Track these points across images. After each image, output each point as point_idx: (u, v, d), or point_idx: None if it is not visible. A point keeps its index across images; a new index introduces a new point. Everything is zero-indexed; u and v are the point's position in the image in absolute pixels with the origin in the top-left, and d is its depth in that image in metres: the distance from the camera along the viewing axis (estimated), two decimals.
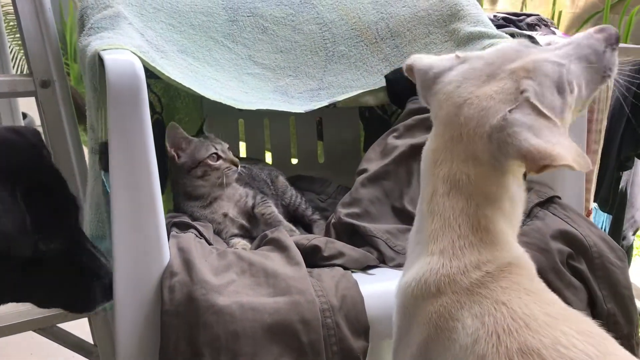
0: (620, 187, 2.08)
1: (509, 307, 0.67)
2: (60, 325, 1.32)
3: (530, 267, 0.76)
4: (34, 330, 1.30)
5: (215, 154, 1.22)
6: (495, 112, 0.71)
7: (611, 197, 2.03)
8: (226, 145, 1.26)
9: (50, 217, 0.83)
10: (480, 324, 0.67)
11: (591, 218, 1.91)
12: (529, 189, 1.19)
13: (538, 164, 0.66)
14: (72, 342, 1.33)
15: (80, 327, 1.38)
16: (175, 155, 1.21)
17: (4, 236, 0.75)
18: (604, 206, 2.07)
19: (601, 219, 2.22)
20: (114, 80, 0.87)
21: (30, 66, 1.19)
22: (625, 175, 2.08)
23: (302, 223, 1.37)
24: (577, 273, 1.07)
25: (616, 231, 2.12)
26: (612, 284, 1.08)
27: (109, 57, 0.91)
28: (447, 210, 0.74)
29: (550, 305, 0.69)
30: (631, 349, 1.07)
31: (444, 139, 0.75)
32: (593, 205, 2.05)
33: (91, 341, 1.35)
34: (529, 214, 1.14)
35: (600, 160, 1.91)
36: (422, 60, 0.83)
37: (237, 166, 1.24)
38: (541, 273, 1.02)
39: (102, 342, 1.29)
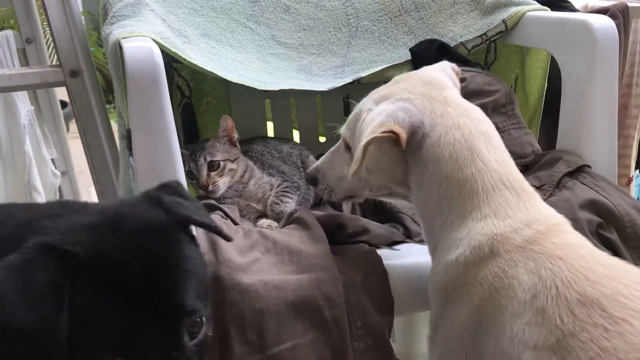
0: None
1: (565, 261, 0.69)
2: None
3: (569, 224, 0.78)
4: None
5: (189, 172, 1.17)
6: None
7: None
8: (204, 162, 1.16)
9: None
10: (537, 279, 0.68)
11: (633, 185, 1.85)
12: (558, 159, 1.17)
13: None
14: None
15: None
16: None
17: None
18: None
19: None
20: (132, 67, 0.89)
21: (59, 57, 1.23)
22: None
23: (331, 201, 1.38)
24: (608, 243, 1.05)
25: None
26: None
27: (127, 45, 0.93)
28: (493, 163, 0.79)
29: (605, 258, 0.70)
30: None
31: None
32: (636, 172, 2.00)
33: None
34: (557, 184, 1.12)
35: None
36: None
37: (203, 189, 1.16)
38: None
39: None
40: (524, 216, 0.74)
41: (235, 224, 1.08)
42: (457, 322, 0.75)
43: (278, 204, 1.20)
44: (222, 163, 1.18)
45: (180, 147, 1.33)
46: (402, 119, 0.81)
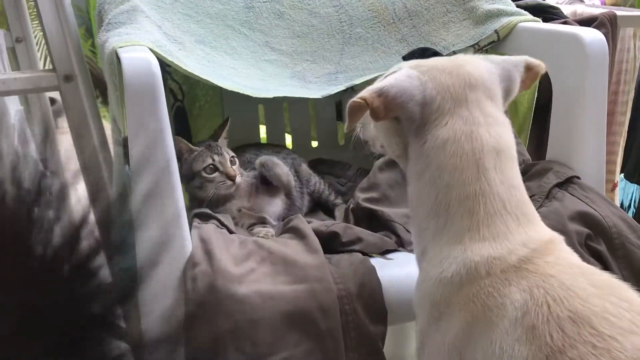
0: None
1: (557, 279, 0.69)
2: None
3: (564, 243, 0.78)
4: None
5: (212, 165, 1.19)
6: None
7: (639, 169, 2.00)
8: (227, 156, 1.21)
9: None
10: (529, 296, 0.68)
11: (617, 191, 1.89)
12: (548, 170, 1.19)
13: None
14: None
15: None
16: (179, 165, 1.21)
17: None
18: (631, 177, 2.04)
19: (631, 190, 2.19)
20: (130, 79, 0.89)
21: (53, 62, 1.22)
22: None
23: (325, 208, 1.38)
24: (596, 254, 1.07)
25: None
26: (633, 264, 1.08)
27: (125, 56, 0.93)
28: (498, 186, 0.75)
29: (596, 276, 0.71)
30: None
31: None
32: (620, 176, 2.03)
33: None
34: (547, 195, 1.14)
35: (628, 131, 1.88)
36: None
37: (233, 180, 1.19)
38: None
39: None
40: (521, 238, 0.74)
41: (231, 232, 1.09)
42: (447, 338, 0.75)
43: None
44: (236, 159, 1.24)
45: None
46: (397, 93, 0.77)
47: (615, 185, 1.87)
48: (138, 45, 1.02)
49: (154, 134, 0.91)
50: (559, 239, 0.77)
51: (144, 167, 0.92)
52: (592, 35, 1.15)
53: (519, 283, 0.70)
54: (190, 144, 1.21)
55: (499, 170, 0.77)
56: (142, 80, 0.90)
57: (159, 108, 0.91)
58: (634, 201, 2.20)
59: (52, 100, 2.42)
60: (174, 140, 1.17)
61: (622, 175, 2.07)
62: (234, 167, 1.21)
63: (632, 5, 2.94)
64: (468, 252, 0.75)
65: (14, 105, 1.81)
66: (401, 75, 0.80)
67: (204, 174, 1.18)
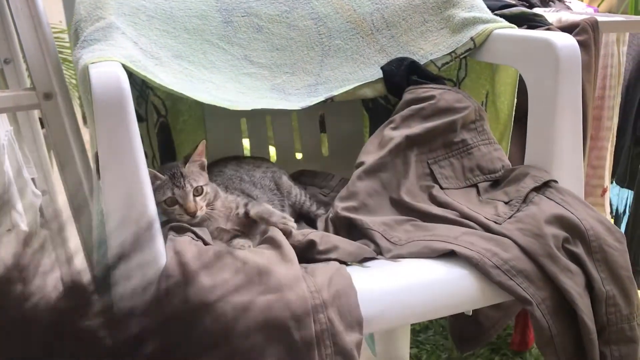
0: None
1: None
2: None
3: None
4: None
5: (170, 198, 1.12)
6: None
7: (628, 174, 1.99)
8: (191, 188, 1.13)
9: None
10: None
11: (607, 196, 1.88)
12: (525, 174, 1.19)
13: None
14: None
15: None
16: None
17: None
18: (622, 182, 2.04)
19: (625, 195, 2.19)
20: (98, 93, 0.90)
21: (32, 80, 1.24)
22: None
23: (307, 219, 1.38)
24: (574, 257, 1.07)
25: (638, 208, 2.09)
26: (611, 266, 1.07)
27: (94, 71, 0.94)
28: None
29: None
30: (632, 330, 1.06)
31: None
32: (613, 183, 2.02)
33: None
34: (524, 200, 1.14)
35: (617, 137, 1.88)
36: None
37: (192, 215, 1.12)
38: (535, 258, 1.04)
39: None
40: None
41: (206, 244, 1.09)
42: None
43: (257, 206, 1.19)
44: (204, 188, 1.16)
45: (158, 166, 1.34)
46: None
47: (605, 190, 1.86)
48: (110, 61, 1.03)
49: (123, 148, 0.92)
50: None
51: (114, 181, 0.93)
52: (564, 40, 1.16)
53: None
54: (155, 171, 1.13)
55: None
56: (110, 94, 0.91)
57: (127, 122, 0.91)
58: (629, 206, 2.19)
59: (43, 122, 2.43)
60: None
61: (615, 181, 2.06)
62: (197, 198, 1.14)
63: (624, 12, 2.94)
64: None
65: (3, 125, 1.82)
66: None
67: (164, 206, 1.13)
